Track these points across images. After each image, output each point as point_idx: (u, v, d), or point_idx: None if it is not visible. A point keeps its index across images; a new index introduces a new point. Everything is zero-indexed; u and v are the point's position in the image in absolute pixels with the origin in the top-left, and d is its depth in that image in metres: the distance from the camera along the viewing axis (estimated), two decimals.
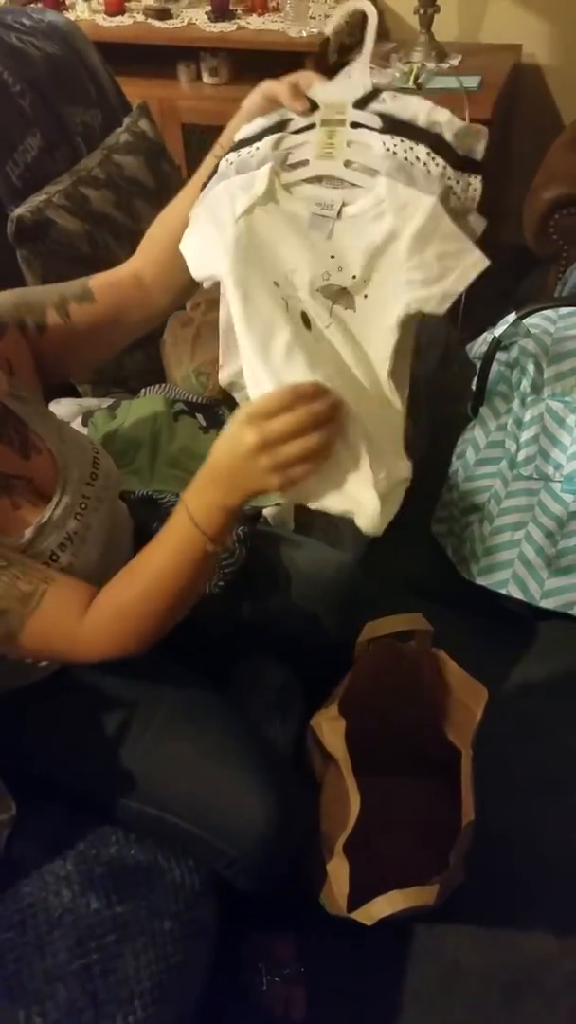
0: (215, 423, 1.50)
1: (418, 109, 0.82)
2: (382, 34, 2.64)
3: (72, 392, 1.57)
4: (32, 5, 2.10)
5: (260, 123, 0.88)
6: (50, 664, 1.04)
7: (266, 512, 1.32)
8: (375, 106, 0.82)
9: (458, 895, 1.27)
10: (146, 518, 1.17)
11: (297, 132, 0.85)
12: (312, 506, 0.82)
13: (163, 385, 1.58)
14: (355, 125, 0.82)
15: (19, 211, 1.44)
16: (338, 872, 1.10)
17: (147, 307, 1.06)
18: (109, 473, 1.07)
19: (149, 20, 2.44)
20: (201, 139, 2.54)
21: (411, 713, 1.32)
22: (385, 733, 1.32)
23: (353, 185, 0.82)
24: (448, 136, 0.81)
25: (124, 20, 2.46)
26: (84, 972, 0.92)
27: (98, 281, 1.04)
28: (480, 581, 1.67)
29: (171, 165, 1.71)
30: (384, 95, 0.83)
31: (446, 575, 1.75)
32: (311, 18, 2.37)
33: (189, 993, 1.00)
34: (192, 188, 0.97)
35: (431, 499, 1.87)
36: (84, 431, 1.45)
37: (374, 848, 1.16)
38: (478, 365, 1.70)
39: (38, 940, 0.95)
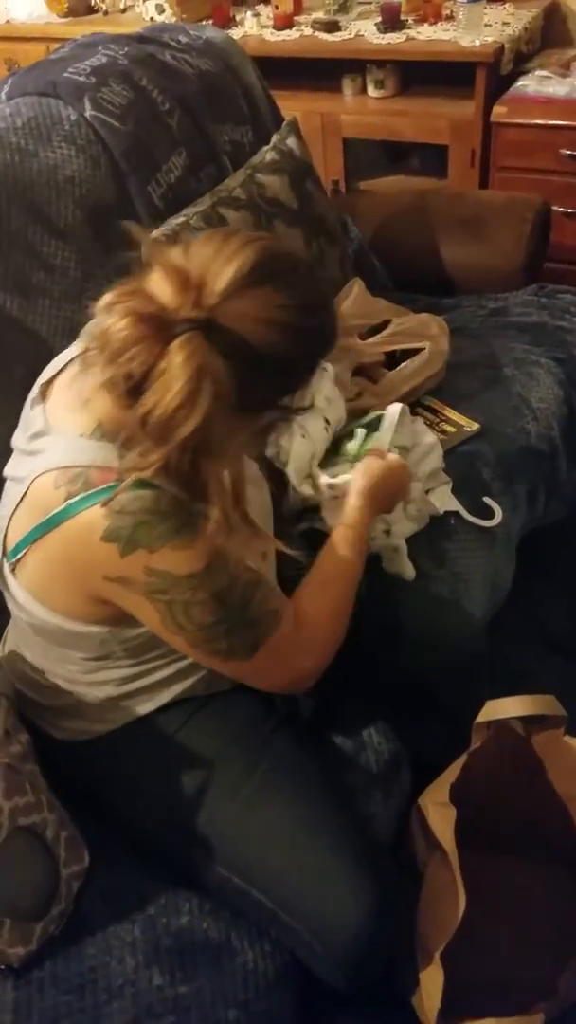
0: None
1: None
2: (565, 40, 2.46)
3: None
4: (201, 23, 2.09)
5: None
6: (129, 710, 1.00)
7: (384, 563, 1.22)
8: None
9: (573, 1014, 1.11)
10: None
11: None
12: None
13: None
14: None
15: (155, 233, 1.41)
16: (431, 981, 0.97)
17: None
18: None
19: (316, 33, 2.39)
20: (360, 153, 2.47)
21: (534, 798, 1.17)
22: (503, 813, 1.17)
23: None
24: None
25: (291, 34, 2.42)
26: None
27: None
28: None
29: (316, 184, 1.64)
30: None
31: None
32: (486, 25, 2.24)
33: None
34: None
35: None
36: None
37: (480, 937, 1.03)
38: None
39: (95, 1010, 0.89)
